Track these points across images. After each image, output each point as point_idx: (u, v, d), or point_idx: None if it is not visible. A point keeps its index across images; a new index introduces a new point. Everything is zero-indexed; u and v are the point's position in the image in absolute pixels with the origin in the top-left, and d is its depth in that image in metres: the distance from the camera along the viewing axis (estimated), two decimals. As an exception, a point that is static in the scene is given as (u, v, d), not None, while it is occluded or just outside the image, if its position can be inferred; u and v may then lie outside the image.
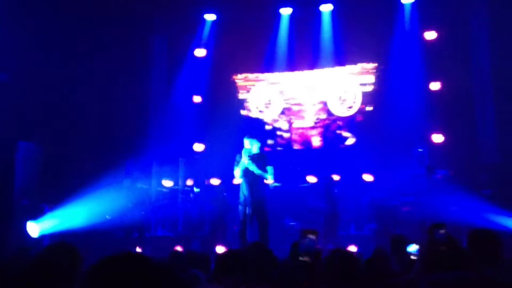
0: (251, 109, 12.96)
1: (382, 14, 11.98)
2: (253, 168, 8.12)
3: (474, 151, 11.02)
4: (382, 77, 12.08)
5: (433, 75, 11.51)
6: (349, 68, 12.42)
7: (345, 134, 12.21)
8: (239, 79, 13.04)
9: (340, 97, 12.47)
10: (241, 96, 13.03)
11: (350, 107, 12.37)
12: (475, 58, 11.45)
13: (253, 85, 13.00)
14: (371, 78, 12.28)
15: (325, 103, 12.56)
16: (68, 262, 2.87)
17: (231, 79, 13.05)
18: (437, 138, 11.23)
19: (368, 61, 12.29)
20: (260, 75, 12.95)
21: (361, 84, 12.34)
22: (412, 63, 11.55)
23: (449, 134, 11.18)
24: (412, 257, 4.19)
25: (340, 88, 12.47)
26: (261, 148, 8.54)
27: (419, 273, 2.96)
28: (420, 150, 10.10)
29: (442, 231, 2.91)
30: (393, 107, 11.25)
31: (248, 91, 13.00)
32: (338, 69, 12.45)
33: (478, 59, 11.41)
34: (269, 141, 12.53)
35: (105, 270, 1.62)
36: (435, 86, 11.50)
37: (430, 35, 11.69)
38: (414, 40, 11.75)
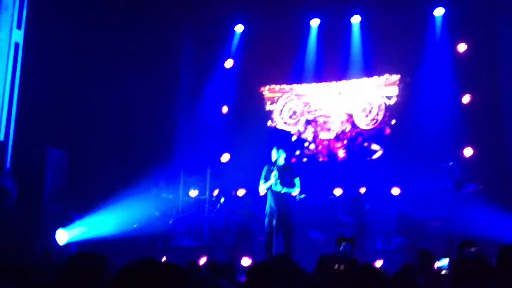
0: (277, 120, 12.96)
1: (411, 26, 11.89)
2: (280, 188, 8.11)
3: (504, 165, 10.83)
4: (410, 88, 11.96)
5: (462, 88, 11.36)
6: (376, 80, 12.33)
7: (374, 147, 12.08)
8: (266, 90, 13.07)
9: (365, 109, 12.37)
10: (267, 107, 13.05)
11: (375, 120, 12.26)
12: (505, 71, 11.29)
13: (279, 96, 13.00)
14: (397, 90, 12.16)
15: (350, 115, 12.49)
16: (96, 272, 2.90)
17: (258, 90, 13.09)
18: (467, 151, 11.05)
19: (395, 73, 12.17)
20: (286, 87, 12.96)
21: (387, 97, 12.24)
22: (441, 75, 11.43)
23: (479, 148, 10.99)
24: (443, 271, 4.13)
25: (366, 100, 12.38)
26: (287, 159, 8.52)
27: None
28: (450, 163, 9.94)
29: (472, 249, 2.86)
30: (421, 119, 11.13)
31: (274, 102, 13.01)
32: (365, 80, 12.37)
33: (508, 71, 11.24)
34: (297, 152, 12.50)
35: (127, 277, 1.67)
36: (464, 98, 11.35)
37: (460, 47, 11.56)
38: (443, 52, 11.63)
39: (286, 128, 12.87)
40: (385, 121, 12.21)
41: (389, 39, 11.79)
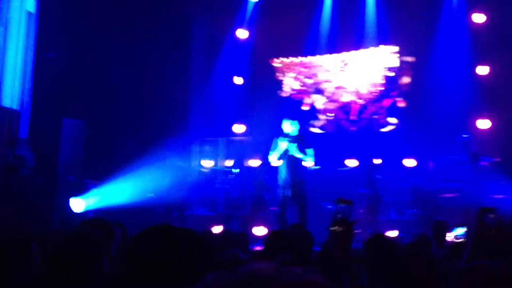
0: (287, 91, 12.92)
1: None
2: (294, 151, 8.07)
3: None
4: (425, 60, 11.79)
5: (480, 59, 11.18)
6: (385, 49, 12.16)
7: (390, 120, 11.99)
8: (276, 62, 12.98)
9: (370, 80, 12.28)
10: (279, 78, 12.98)
11: (378, 92, 12.19)
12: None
13: (289, 68, 12.93)
14: (399, 62, 11.99)
15: (357, 86, 12.40)
16: (101, 237, 2.95)
17: (270, 61, 13.00)
18: (483, 124, 10.93)
19: (409, 43, 11.97)
20: (295, 59, 12.86)
21: (389, 68, 12.08)
22: (458, 45, 11.24)
23: (496, 120, 10.87)
24: (457, 240, 4.13)
25: (376, 71, 12.26)
26: (300, 130, 8.48)
27: (469, 257, 2.90)
28: (465, 136, 9.86)
29: (492, 215, 2.84)
30: (437, 91, 11.01)
31: (284, 74, 12.95)
32: (375, 50, 12.22)
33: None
34: (312, 122, 12.49)
35: (146, 239, 1.69)
36: (482, 70, 11.17)
37: (477, 17, 11.33)
38: (460, 22, 11.41)
39: (297, 98, 12.84)
40: (395, 93, 12.11)
41: (403, 8, 11.61)
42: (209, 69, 13.00)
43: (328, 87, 12.65)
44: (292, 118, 8.42)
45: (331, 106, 12.58)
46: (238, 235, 6.10)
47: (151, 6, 11.56)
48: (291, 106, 12.53)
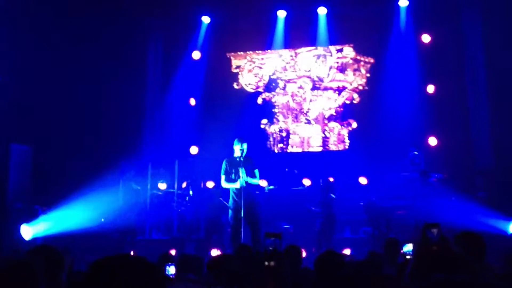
0: (243, 85, 13.02)
1: (377, 17, 11.99)
2: (246, 179, 8.02)
3: (469, 155, 11.04)
4: (377, 79, 12.08)
5: (428, 78, 11.53)
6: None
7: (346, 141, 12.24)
8: (233, 55, 13.05)
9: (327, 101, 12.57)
10: (233, 70, 13.06)
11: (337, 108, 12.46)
12: (469, 61, 11.47)
13: (246, 59, 13.10)
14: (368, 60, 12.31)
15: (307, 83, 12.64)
16: (49, 266, 2.86)
17: (227, 82, 13.04)
18: (432, 141, 11.24)
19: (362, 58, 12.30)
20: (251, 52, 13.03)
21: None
22: (406, 66, 11.56)
23: (444, 138, 11.19)
24: (407, 256, 4.19)
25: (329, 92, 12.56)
26: (248, 151, 8.39)
27: (412, 274, 2.95)
28: (415, 153, 10.11)
29: (434, 231, 2.90)
30: (387, 110, 11.26)
31: (241, 68, 13.05)
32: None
33: (472, 62, 11.42)
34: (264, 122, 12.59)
35: (100, 272, 1.66)
36: (429, 89, 11.52)
37: (425, 38, 11.71)
38: (409, 43, 11.76)
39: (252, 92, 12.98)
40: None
41: (354, 30, 11.90)
42: (163, 91, 12.94)
43: (280, 79, 12.88)
44: (241, 139, 8.32)
45: (283, 100, 12.75)
46: (192, 258, 6.02)
47: (103, 28, 11.44)
48: (244, 128, 12.55)
